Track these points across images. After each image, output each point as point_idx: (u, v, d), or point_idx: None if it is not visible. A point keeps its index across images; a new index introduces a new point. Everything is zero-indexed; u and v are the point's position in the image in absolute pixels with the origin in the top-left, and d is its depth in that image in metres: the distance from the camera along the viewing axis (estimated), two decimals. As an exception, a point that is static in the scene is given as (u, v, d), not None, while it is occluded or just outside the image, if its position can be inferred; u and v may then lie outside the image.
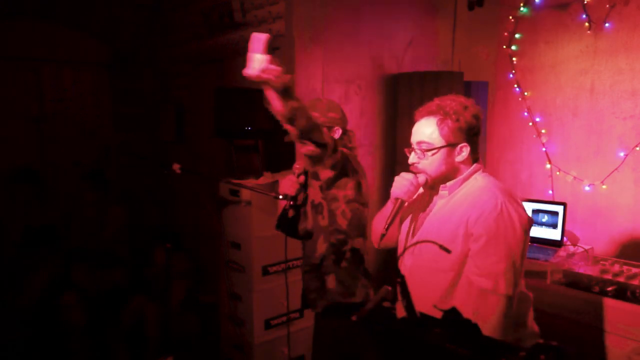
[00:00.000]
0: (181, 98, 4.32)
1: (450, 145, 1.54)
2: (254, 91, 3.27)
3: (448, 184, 1.59)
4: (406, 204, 1.64)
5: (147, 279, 3.62)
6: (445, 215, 1.56)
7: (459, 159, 1.56)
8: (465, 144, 1.55)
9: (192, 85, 4.19)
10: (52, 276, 3.38)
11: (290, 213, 2.11)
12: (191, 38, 4.04)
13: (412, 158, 1.59)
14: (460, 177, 1.58)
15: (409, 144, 1.63)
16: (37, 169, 3.70)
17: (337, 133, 2.08)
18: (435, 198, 1.65)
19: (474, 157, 1.60)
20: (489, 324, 1.42)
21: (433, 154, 1.55)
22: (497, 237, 1.45)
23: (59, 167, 4.24)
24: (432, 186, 1.62)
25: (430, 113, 1.56)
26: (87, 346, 3.31)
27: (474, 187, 1.56)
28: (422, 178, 1.58)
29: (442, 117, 1.54)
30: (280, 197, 2.07)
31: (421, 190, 1.67)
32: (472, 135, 1.56)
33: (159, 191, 4.53)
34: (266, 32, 2.99)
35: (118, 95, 4.53)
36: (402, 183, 1.59)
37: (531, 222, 1.54)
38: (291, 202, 2.07)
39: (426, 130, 1.56)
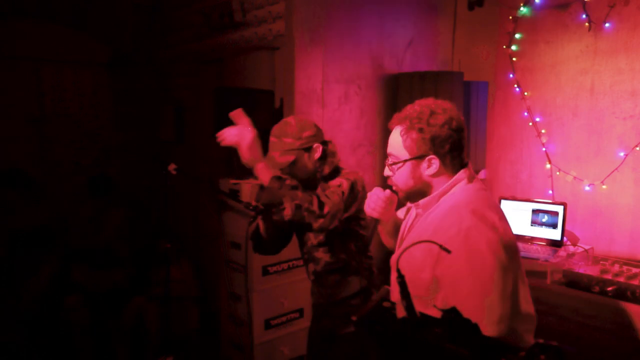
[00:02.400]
0: (181, 98, 4.32)
1: (416, 158, 1.39)
2: (254, 91, 3.28)
3: (421, 201, 1.45)
4: (382, 219, 1.54)
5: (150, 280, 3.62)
6: (418, 236, 1.41)
7: (428, 172, 1.40)
8: (432, 156, 1.38)
9: (192, 85, 4.19)
10: (52, 277, 3.38)
11: (260, 224, 1.98)
12: (191, 38, 4.03)
13: (385, 171, 1.48)
14: (436, 193, 1.42)
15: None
16: (28, 170, 3.68)
17: (318, 152, 1.93)
18: (413, 212, 1.53)
19: (454, 169, 1.42)
20: None
21: (398, 168, 1.42)
22: (463, 269, 1.27)
23: (59, 167, 4.24)
24: (408, 199, 1.49)
25: (400, 121, 1.43)
26: (89, 346, 3.31)
27: (444, 207, 1.39)
28: (387, 192, 1.48)
29: (407, 126, 1.40)
30: (250, 208, 1.91)
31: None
32: (442, 146, 1.37)
33: (159, 191, 4.53)
34: (266, 32, 3.00)
35: (118, 95, 4.53)
36: (372, 199, 1.50)
37: (510, 242, 1.31)
38: (257, 213, 1.92)
39: (394, 141, 1.43)
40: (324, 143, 1.98)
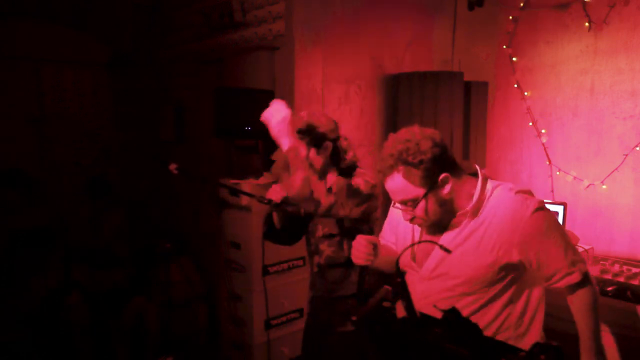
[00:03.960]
0: (181, 98, 4.32)
1: (432, 187, 1.43)
2: (254, 91, 3.28)
3: (469, 207, 1.48)
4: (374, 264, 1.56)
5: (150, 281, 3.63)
6: (476, 244, 1.46)
7: (446, 190, 1.45)
8: (443, 174, 1.44)
9: (192, 85, 4.18)
10: (52, 277, 3.38)
11: (274, 216, 2.03)
12: (191, 38, 4.03)
13: (407, 215, 1.50)
14: (477, 198, 1.48)
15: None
16: (28, 170, 3.68)
17: (328, 149, 1.97)
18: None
19: (458, 172, 1.50)
20: (589, 310, 1.50)
21: (424, 205, 1.45)
22: (543, 234, 1.43)
23: (59, 167, 4.24)
24: (438, 226, 1.52)
25: (391, 169, 1.44)
26: (89, 346, 3.31)
27: (497, 205, 1.47)
28: (369, 238, 1.51)
29: (404, 168, 1.42)
30: (265, 201, 1.95)
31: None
32: (442, 162, 1.44)
33: (159, 191, 4.53)
34: (266, 32, 3.00)
35: (118, 95, 4.53)
36: (355, 248, 1.52)
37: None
38: (273, 208, 1.97)
39: (400, 188, 1.45)
40: (334, 140, 1.99)
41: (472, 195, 1.49)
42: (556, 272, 1.46)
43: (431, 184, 1.43)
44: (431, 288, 1.53)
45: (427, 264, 1.55)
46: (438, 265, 1.52)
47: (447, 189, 1.45)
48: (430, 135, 1.44)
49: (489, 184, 1.51)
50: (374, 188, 1.91)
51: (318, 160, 1.95)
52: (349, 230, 1.98)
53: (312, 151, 1.95)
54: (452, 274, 1.48)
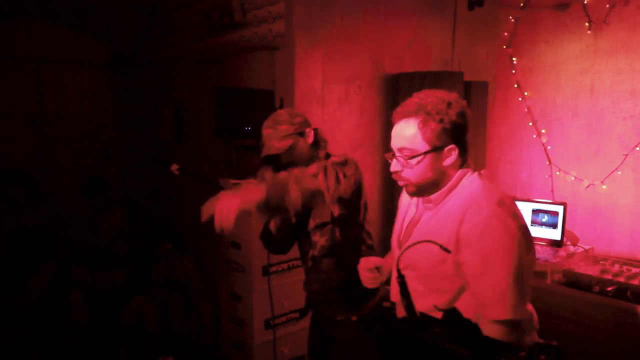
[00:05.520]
0: (181, 98, 4.32)
1: (436, 150, 1.37)
2: (254, 91, 3.28)
3: (432, 196, 1.43)
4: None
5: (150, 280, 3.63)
6: (432, 230, 1.39)
7: (447, 162, 1.39)
8: (452, 145, 1.38)
9: (192, 85, 4.19)
10: (52, 277, 3.38)
11: (271, 223, 2.08)
12: (191, 38, 4.03)
13: (395, 166, 1.42)
14: (446, 188, 1.41)
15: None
16: (28, 170, 3.68)
17: (311, 136, 2.03)
18: (421, 207, 1.50)
19: (463, 160, 1.43)
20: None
21: (418, 161, 1.38)
22: (488, 255, 1.26)
23: (59, 167, 4.24)
24: (418, 192, 1.45)
25: (409, 114, 1.38)
26: (89, 346, 3.32)
27: (459, 198, 1.39)
28: (370, 263, 1.54)
29: (423, 117, 1.36)
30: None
31: (407, 198, 1.56)
32: (460, 135, 1.39)
33: (159, 191, 4.54)
34: (266, 32, 3.02)
35: (118, 95, 4.53)
36: (363, 276, 1.56)
37: (527, 231, 1.33)
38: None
39: (407, 134, 1.38)
40: (315, 129, 2.08)
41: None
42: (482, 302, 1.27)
43: (438, 146, 1.37)
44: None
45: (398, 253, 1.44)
46: (403, 254, 1.37)
47: (448, 161, 1.39)
48: (463, 107, 1.39)
49: (468, 179, 1.41)
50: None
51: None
52: (339, 217, 2.00)
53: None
54: (414, 265, 1.39)
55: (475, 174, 1.43)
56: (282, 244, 2.20)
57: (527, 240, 1.30)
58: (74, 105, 4.34)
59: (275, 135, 2.00)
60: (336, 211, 1.99)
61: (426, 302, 1.29)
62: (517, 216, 1.32)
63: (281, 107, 3.19)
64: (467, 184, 1.40)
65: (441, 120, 1.35)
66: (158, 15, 4.46)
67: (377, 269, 1.53)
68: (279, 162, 2.02)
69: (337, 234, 2.03)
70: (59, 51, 4.19)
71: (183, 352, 3.46)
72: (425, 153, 1.37)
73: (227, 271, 3.15)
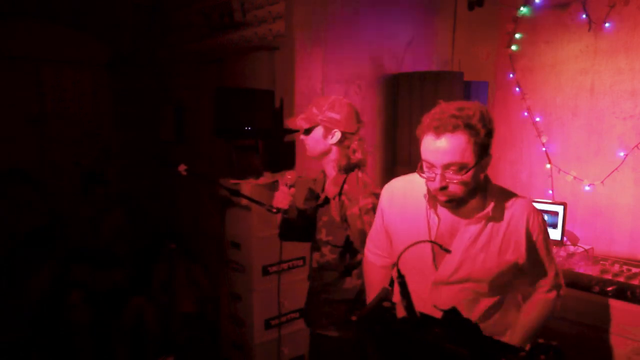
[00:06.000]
0: (181, 98, 4.32)
1: (482, 160, 1.42)
2: (254, 91, 3.28)
3: (470, 204, 1.48)
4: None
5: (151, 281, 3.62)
6: (500, 238, 1.50)
7: (485, 171, 1.48)
8: (489, 155, 1.45)
9: (192, 85, 4.19)
10: (52, 277, 3.38)
11: (298, 222, 2.14)
12: (191, 38, 4.03)
13: (441, 182, 1.40)
14: (481, 195, 1.50)
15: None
16: (28, 170, 3.68)
17: (335, 137, 2.00)
18: (443, 212, 1.53)
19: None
20: (542, 319, 1.63)
21: (467, 175, 1.39)
22: (541, 240, 1.54)
23: (59, 167, 4.24)
24: (458, 205, 1.48)
25: (456, 128, 1.37)
26: (90, 346, 3.31)
27: (500, 201, 1.52)
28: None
29: (472, 131, 1.37)
30: (274, 210, 2.02)
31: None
32: (490, 145, 1.46)
33: (159, 191, 4.53)
34: (266, 32, 3.03)
35: (118, 95, 4.53)
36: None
37: None
38: (285, 215, 2.05)
39: (456, 149, 1.36)
40: (346, 134, 2.03)
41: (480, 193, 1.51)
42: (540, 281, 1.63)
43: (481, 157, 1.41)
44: (447, 292, 1.53)
45: (442, 268, 1.53)
46: (458, 268, 1.51)
47: (486, 170, 1.48)
48: (491, 119, 1.44)
49: (489, 182, 1.56)
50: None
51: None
52: (352, 242, 2.00)
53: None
54: (475, 277, 1.51)
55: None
56: (302, 234, 2.21)
57: None
58: (74, 105, 4.34)
59: (304, 112, 2.10)
60: (351, 237, 1.99)
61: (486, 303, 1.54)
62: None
63: (281, 107, 3.19)
64: (492, 186, 1.54)
65: (487, 134, 1.41)
66: (158, 15, 4.45)
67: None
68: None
69: (347, 257, 2.03)
70: (59, 51, 4.19)
71: (183, 352, 3.46)
72: (475, 165, 1.39)
73: (227, 271, 3.15)
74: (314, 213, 2.12)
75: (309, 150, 2.06)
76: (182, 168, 2.24)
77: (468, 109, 1.39)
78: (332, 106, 2.00)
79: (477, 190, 1.47)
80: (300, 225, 2.15)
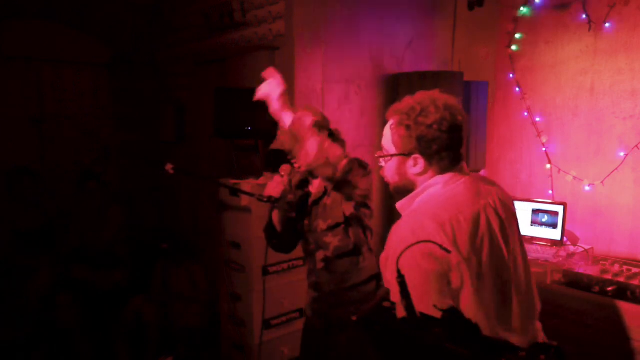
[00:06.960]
0: (181, 98, 4.32)
1: (401, 155, 1.35)
2: (254, 91, 3.27)
3: (398, 204, 1.41)
4: None
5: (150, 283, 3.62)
6: (392, 239, 1.34)
7: (413, 171, 1.35)
8: (417, 155, 1.33)
9: (192, 85, 4.19)
10: (52, 277, 3.38)
11: (274, 215, 2.08)
12: (191, 38, 4.03)
13: (380, 160, 1.45)
14: (410, 196, 1.38)
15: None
16: (35, 169, 3.69)
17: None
18: None
19: (442, 169, 1.35)
20: None
21: (386, 162, 1.40)
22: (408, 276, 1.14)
23: (59, 167, 4.24)
24: (396, 193, 1.44)
25: (392, 114, 1.38)
26: (88, 346, 3.31)
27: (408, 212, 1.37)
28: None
29: (397, 120, 1.35)
30: (265, 199, 2.00)
31: None
32: (429, 146, 1.31)
33: (159, 191, 4.53)
34: (266, 32, 3.02)
35: (118, 95, 4.53)
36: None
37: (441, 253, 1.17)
38: (275, 205, 2.02)
39: (385, 133, 1.40)
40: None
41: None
42: None
43: (404, 152, 1.35)
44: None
45: None
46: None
47: (413, 169, 1.35)
48: (442, 118, 1.30)
49: (432, 190, 1.35)
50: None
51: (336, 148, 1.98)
52: (352, 216, 1.98)
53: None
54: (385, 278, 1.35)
55: (440, 186, 1.34)
56: (286, 241, 2.17)
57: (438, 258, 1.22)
58: (74, 105, 4.35)
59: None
60: (347, 211, 1.97)
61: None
62: (430, 237, 1.19)
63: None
64: (425, 196, 1.35)
65: (407, 127, 1.32)
66: (158, 15, 4.46)
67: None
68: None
69: (350, 233, 2.00)
70: (59, 51, 4.20)
71: (183, 352, 3.46)
72: (391, 156, 1.38)
73: (227, 271, 3.15)
74: (302, 205, 2.09)
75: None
76: (168, 167, 2.22)
77: (412, 100, 1.35)
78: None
79: (412, 190, 1.39)
80: (285, 234, 2.13)
